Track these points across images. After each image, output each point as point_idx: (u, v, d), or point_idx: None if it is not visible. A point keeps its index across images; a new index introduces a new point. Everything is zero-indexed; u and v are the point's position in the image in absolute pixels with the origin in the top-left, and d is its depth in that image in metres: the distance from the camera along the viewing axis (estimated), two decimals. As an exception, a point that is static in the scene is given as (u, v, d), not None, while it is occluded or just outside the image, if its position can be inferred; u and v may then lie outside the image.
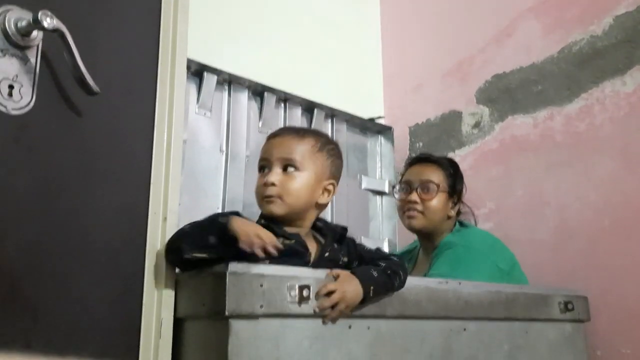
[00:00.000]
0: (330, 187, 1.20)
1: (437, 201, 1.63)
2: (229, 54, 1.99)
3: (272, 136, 1.20)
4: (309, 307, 0.98)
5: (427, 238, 1.68)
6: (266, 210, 1.13)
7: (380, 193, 2.34)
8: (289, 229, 1.14)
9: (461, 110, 2.21)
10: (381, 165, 2.38)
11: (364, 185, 2.30)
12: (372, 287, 1.05)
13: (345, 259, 1.18)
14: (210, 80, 1.85)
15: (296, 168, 1.14)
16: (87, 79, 0.89)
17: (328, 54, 2.37)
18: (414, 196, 1.64)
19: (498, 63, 2.10)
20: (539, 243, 1.84)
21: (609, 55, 1.76)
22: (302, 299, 0.97)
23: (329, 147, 1.21)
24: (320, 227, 1.22)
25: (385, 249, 2.24)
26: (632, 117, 1.69)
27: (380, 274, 1.08)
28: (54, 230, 0.88)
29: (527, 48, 2.01)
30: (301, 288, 0.97)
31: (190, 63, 1.70)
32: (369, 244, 2.22)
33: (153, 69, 1.06)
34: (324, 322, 1.00)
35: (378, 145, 2.40)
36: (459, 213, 1.72)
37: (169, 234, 1.01)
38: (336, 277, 1.02)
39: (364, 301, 1.04)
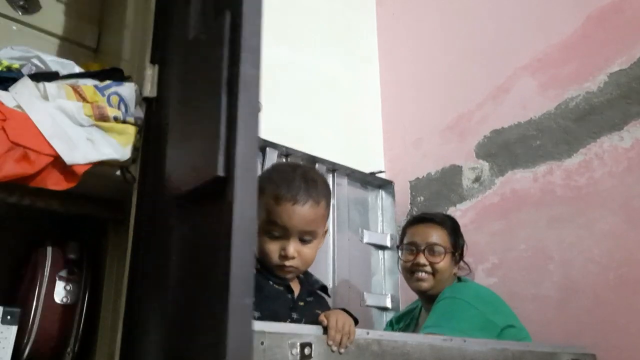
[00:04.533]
0: (325, 232, 1.25)
1: (444, 263, 1.64)
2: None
3: (292, 202, 1.15)
4: (311, 366, 0.96)
5: (430, 299, 1.67)
6: (282, 275, 1.17)
7: (383, 247, 2.33)
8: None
9: (461, 164, 2.23)
10: (383, 219, 2.38)
11: (365, 240, 2.29)
12: (352, 313, 1.10)
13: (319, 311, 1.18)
14: (213, 135, 1.88)
15: (313, 238, 1.17)
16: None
17: (329, 110, 2.41)
18: (422, 259, 1.65)
19: (496, 119, 2.14)
20: (544, 298, 1.82)
21: (606, 111, 1.79)
22: (304, 357, 0.95)
23: (330, 199, 1.24)
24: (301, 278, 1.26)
25: (388, 304, 2.21)
26: (630, 172, 1.70)
27: None
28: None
29: (524, 104, 2.05)
30: (303, 346, 0.96)
31: (194, 119, 1.73)
32: (372, 299, 2.19)
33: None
34: (340, 352, 1.01)
35: (379, 200, 2.41)
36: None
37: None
38: (326, 318, 1.04)
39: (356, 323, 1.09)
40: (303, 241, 1.15)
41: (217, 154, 0.77)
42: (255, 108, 0.78)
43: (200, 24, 1.01)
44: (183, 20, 1.06)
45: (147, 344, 0.95)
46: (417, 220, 1.77)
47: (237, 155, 0.75)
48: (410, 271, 1.68)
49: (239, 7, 0.85)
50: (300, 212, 1.14)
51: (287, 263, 1.14)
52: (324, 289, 1.28)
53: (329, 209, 1.24)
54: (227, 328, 0.67)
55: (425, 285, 1.64)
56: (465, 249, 1.74)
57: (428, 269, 1.64)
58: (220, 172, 0.76)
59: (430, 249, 1.65)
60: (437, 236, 1.67)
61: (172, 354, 0.82)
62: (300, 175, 1.18)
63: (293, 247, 1.14)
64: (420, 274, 1.64)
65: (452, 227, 1.71)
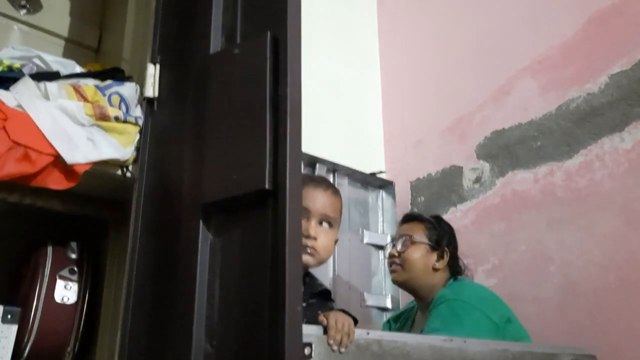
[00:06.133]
0: (336, 240, 1.30)
1: (414, 253, 1.64)
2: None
3: (315, 186, 1.27)
4: (311, 367, 0.96)
5: (418, 295, 1.68)
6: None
7: (383, 248, 2.33)
8: None
9: (462, 165, 2.23)
10: (383, 219, 2.38)
11: (366, 240, 2.29)
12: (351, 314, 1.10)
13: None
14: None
15: (331, 225, 1.25)
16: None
17: (330, 111, 2.41)
18: (392, 250, 1.69)
19: (497, 120, 2.14)
20: (544, 300, 1.81)
21: (606, 113, 1.79)
22: (304, 357, 0.95)
23: (342, 205, 1.33)
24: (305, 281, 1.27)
25: (388, 305, 2.21)
26: (631, 174, 1.70)
27: None
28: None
29: (525, 105, 2.05)
30: (303, 346, 0.95)
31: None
32: (372, 300, 2.20)
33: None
34: (340, 352, 1.01)
35: (380, 200, 2.41)
36: (458, 271, 1.70)
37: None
38: (326, 318, 1.04)
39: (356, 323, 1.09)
40: (322, 226, 1.23)
41: (265, 168, 0.87)
42: (300, 131, 0.88)
43: (228, 39, 1.04)
44: (201, 30, 1.07)
45: (152, 345, 0.95)
46: (402, 219, 1.80)
47: (287, 172, 0.86)
48: (389, 266, 1.72)
49: (282, 29, 0.91)
50: (323, 196, 1.26)
51: (309, 243, 1.19)
52: (327, 293, 1.30)
53: (342, 212, 1.32)
54: (284, 331, 0.77)
55: (396, 276, 1.67)
56: (453, 246, 1.72)
57: (397, 260, 1.66)
58: (268, 185, 0.86)
59: (401, 240, 1.68)
60: (409, 229, 1.69)
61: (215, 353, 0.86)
62: (320, 177, 1.26)
63: (313, 226, 1.21)
64: (392, 266, 1.69)
65: (432, 223, 1.71)
